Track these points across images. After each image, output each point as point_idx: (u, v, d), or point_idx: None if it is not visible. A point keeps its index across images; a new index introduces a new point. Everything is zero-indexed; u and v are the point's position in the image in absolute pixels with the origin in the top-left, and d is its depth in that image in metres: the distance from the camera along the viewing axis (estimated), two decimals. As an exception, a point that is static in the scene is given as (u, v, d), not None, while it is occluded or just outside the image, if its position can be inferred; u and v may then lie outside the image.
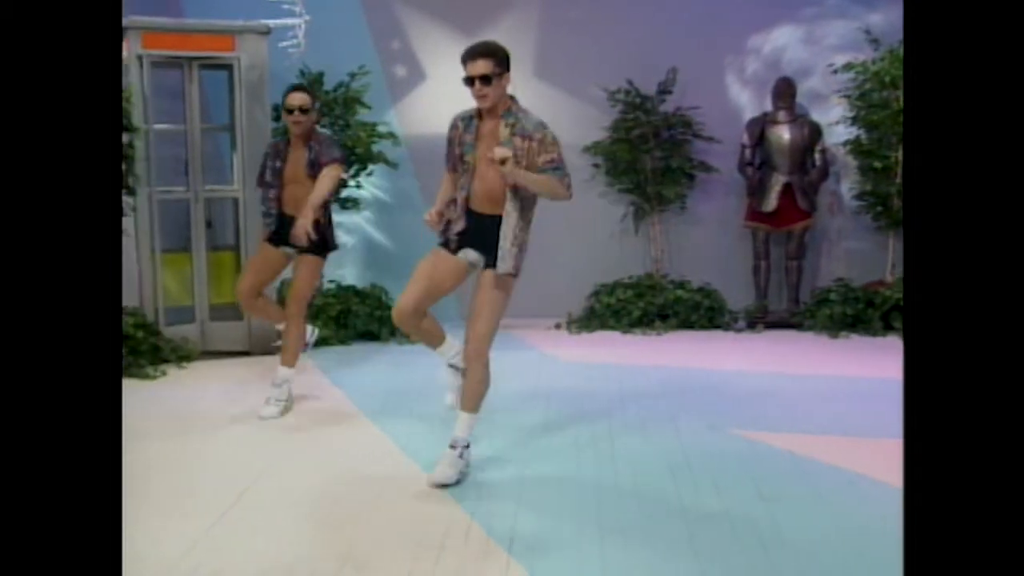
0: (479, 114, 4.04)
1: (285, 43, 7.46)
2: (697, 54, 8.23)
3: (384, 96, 8.27)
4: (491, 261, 3.99)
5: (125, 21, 6.42)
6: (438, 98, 8.43)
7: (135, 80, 6.45)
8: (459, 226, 4.04)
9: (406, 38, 8.50)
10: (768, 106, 8.15)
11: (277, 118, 7.34)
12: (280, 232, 5.24)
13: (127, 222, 6.44)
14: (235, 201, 6.87)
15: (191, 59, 6.65)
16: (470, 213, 4.03)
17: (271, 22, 6.97)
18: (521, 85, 8.45)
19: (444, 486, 3.94)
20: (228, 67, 6.78)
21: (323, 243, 5.21)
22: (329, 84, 7.66)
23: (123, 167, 6.40)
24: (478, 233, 4.02)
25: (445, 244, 4.11)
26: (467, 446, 4.10)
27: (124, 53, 6.54)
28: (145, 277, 6.63)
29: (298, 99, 5.13)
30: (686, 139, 8.26)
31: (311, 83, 7.57)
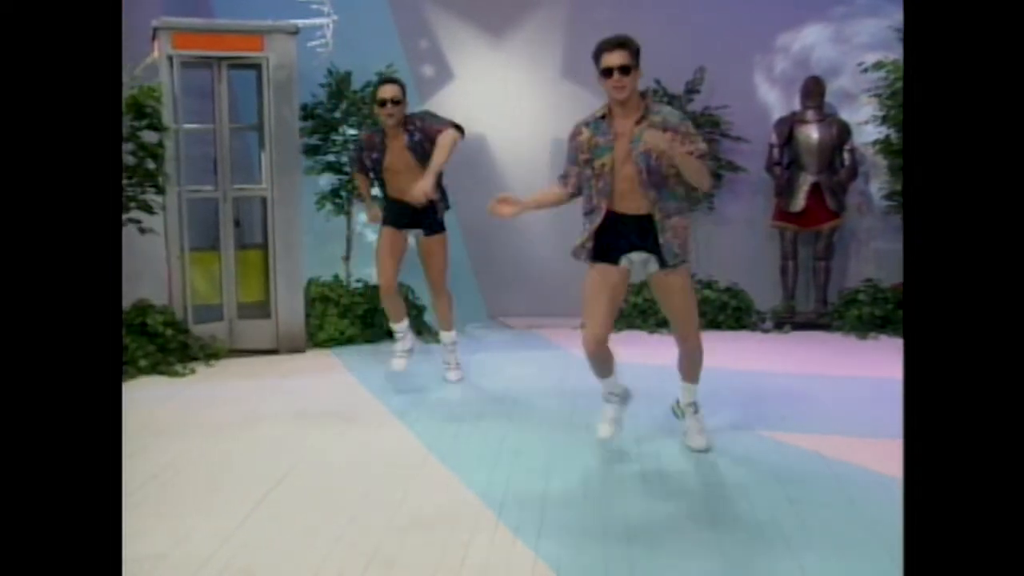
0: (608, 113, 4.02)
1: (313, 43, 7.50)
2: (725, 53, 8.19)
3: (412, 95, 8.22)
4: (663, 262, 4.05)
5: (156, 22, 6.49)
6: (466, 97, 8.46)
7: (165, 80, 6.50)
8: (605, 231, 4.06)
9: (434, 37, 8.52)
10: (797, 105, 8.10)
11: (304, 117, 7.39)
12: (397, 217, 5.52)
13: (157, 221, 6.49)
14: (263, 200, 6.91)
15: (220, 59, 6.70)
16: (615, 217, 4.03)
17: (299, 22, 7.01)
18: (549, 85, 8.50)
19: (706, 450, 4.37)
20: (257, 67, 6.82)
21: (442, 219, 5.54)
22: (357, 84, 7.68)
23: (153, 166, 6.46)
24: (635, 234, 4.03)
25: (601, 257, 4.13)
26: (699, 409, 4.49)
27: (155, 53, 6.60)
28: (174, 275, 6.69)
29: (390, 91, 5.37)
30: (714, 138, 8.21)
31: (338, 82, 7.60)
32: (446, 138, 5.28)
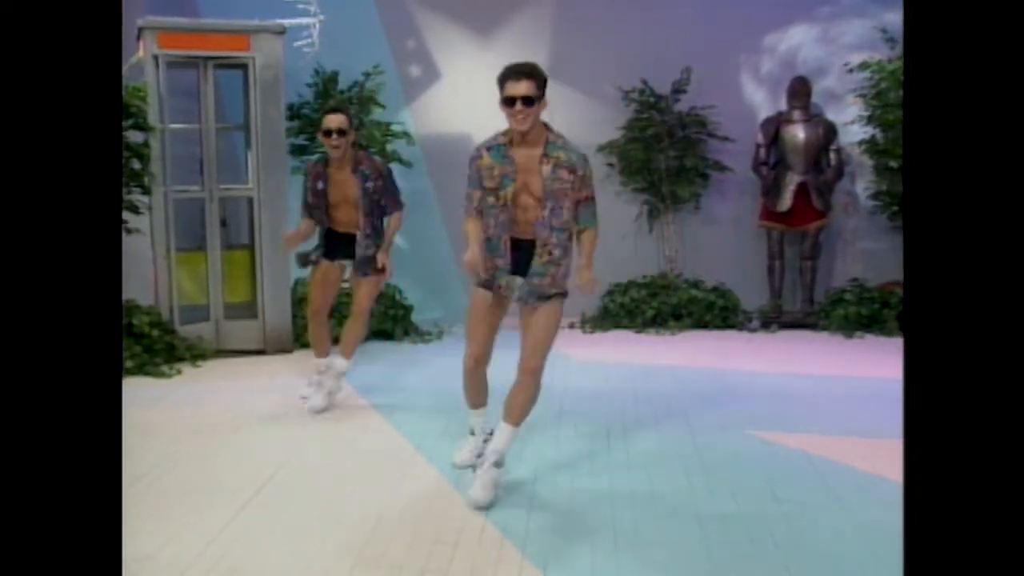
0: (510, 142, 3.83)
1: (300, 42, 7.48)
2: (712, 53, 8.22)
3: (398, 95, 8.29)
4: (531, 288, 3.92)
5: (142, 21, 6.46)
6: (453, 97, 8.46)
7: (151, 80, 6.48)
8: (506, 262, 3.91)
9: (421, 37, 8.51)
10: (783, 105, 8.13)
11: (291, 117, 7.38)
12: (331, 249, 5.35)
13: (143, 221, 6.47)
14: (250, 200, 6.90)
15: (206, 59, 6.68)
16: (515, 244, 3.90)
17: (286, 22, 6.99)
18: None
19: (485, 508, 3.73)
20: (243, 67, 6.81)
21: (373, 264, 5.30)
22: (344, 83, 7.68)
23: (139, 166, 6.44)
24: (523, 260, 3.90)
25: (486, 285, 3.98)
26: (502, 463, 3.93)
27: (140, 53, 6.58)
28: (160, 276, 6.67)
29: (335, 121, 5.10)
30: (700, 138, 8.24)
31: (325, 82, 7.59)
32: (397, 220, 5.34)
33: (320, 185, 5.26)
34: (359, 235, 5.22)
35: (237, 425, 5.00)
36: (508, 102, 3.70)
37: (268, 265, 6.87)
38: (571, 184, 3.77)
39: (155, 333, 6.36)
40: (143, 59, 6.52)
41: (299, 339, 7.09)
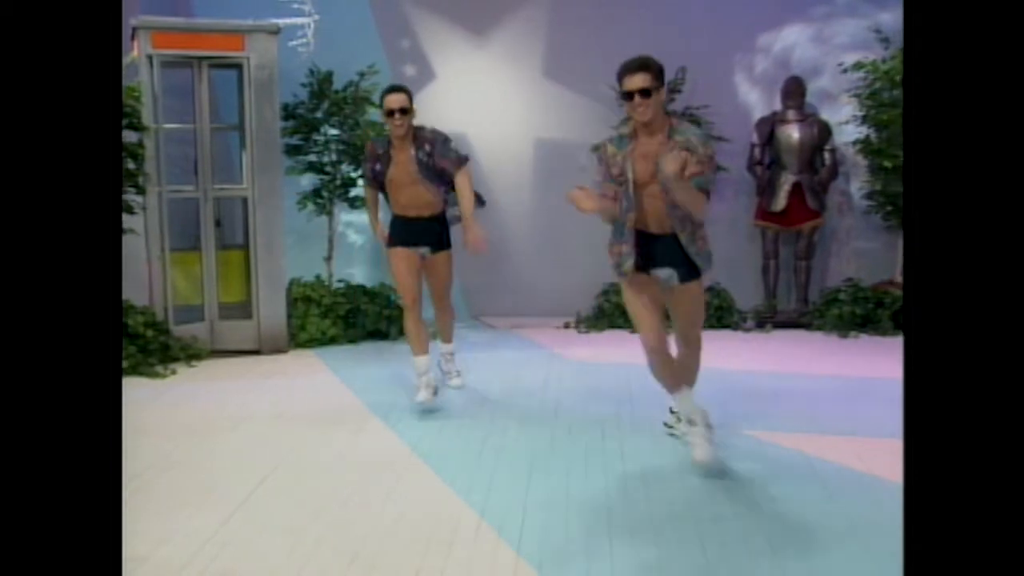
0: (634, 133, 4.02)
1: (295, 42, 7.49)
2: (706, 53, 8.22)
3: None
4: (684, 275, 4.09)
5: (135, 21, 6.45)
6: (448, 97, 8.45)
7: (145, 79, 6.47)
8: (631, 248, 4.08)
9: (415, 37, 8.51)
10: (777, 105, 8.14)
11: (286, 117, 7.37)
12: (406, 235, 5.30)
13: (137, 221, 6.46)
14: (244, 200, 6.89)
15: (201, 59, 6.67)
16: (640, 235, 4.06)
17: (280, 21, 6.99)
18: (530, 84, 8.51)
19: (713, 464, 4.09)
20: (238, 66, 6.80)
21: (448, 236, 5.39)
22: (338, 83, 7.66)
23: (133, 166, 6.43)
24: (661, 253, 4.06)
25: (635, 268, 4.13)
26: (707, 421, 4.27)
27: (134, 53, 6.57)
28: (155, 276, 6.66)
29: (397, 101, 5.13)
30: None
31: (320, 82, 7.59)
32: (466, 180, 5.19)
33: (379, 167, 5.26)
34: (425, 221, 5.27)
35: (232, 426, 4.99)
36: (627, 96, 3.91)
37: (263, 265, 6.86)
38: (685, 161, 3.79)
39: (150, 333, 6.35)
40: (137, 59, 6.51)
41: (294, 339, 7.09)
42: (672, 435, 4.63)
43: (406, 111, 5.13)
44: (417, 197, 5.21)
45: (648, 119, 3.91)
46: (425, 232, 5.30)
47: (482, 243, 5.11)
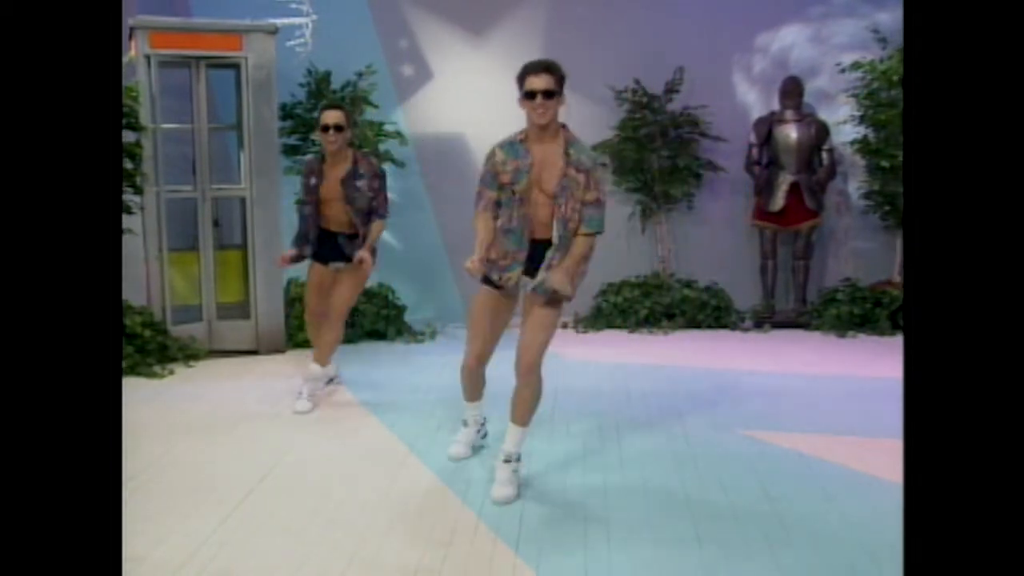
0: (525, 138, 3.93)
1: (292, 42, 7.48)
2: (704, 53, 8.23)
3: (391, 95, 8.27)
4: (543, 289, 3.89)
5: (133, 21, 6.44)
6: (445, 97, 8.46)
7: (143, 79, 6.46)
8: (524, 255, 3.92)
9: (413, 37, 8.51)
10: (775, 105, 8.14)
11: (284, 117, 7.37)
12: (323, 250, 5.37)
13: (135, 221, 6.45)
14: (242, 200, 6.88)
15: (198, 58, 6.67)
16: (531, 243, 3.93)
17: (278, 21, 6.98)
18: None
19: (506, 503, 3.79)
20: (235, 66, 6.79)
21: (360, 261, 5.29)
22: (336, 83, 7.66)
23: (131, 166, 6.42)
24: (534, 260, 3.93)
25: (492, 282, 4.02)
26: (519, 459, 3.98)
27: (132, 53, 6.56)
28: (153, 276, 6.66)
29: (333, 117, 5.18)
30: (693, 138, 8.25)
31: (318, 82, 7.58)
32: (379, 228, 5.32)
33: (313, 181, 5.30)
34: (344, 236, 5.31)
35: (230, 426, 4.99)
36: (529, 96, 3.85)
37: (261, 265, 6.85)
38: (581, 184, 3.82)
39: (147, 333, 6.35)
40: (135, 59, 6.51)
41: (292, 339, 7.09)
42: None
43: (341, 128, 5.18)
44: (340, 214, 5.29)
45: (545, 122, 3.82)
46: (341, 248, 5.35)
47: (369, 264, 5.24)
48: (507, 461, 3.93)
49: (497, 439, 4.33)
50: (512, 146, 3.94)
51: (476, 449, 4.48)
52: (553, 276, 3.81)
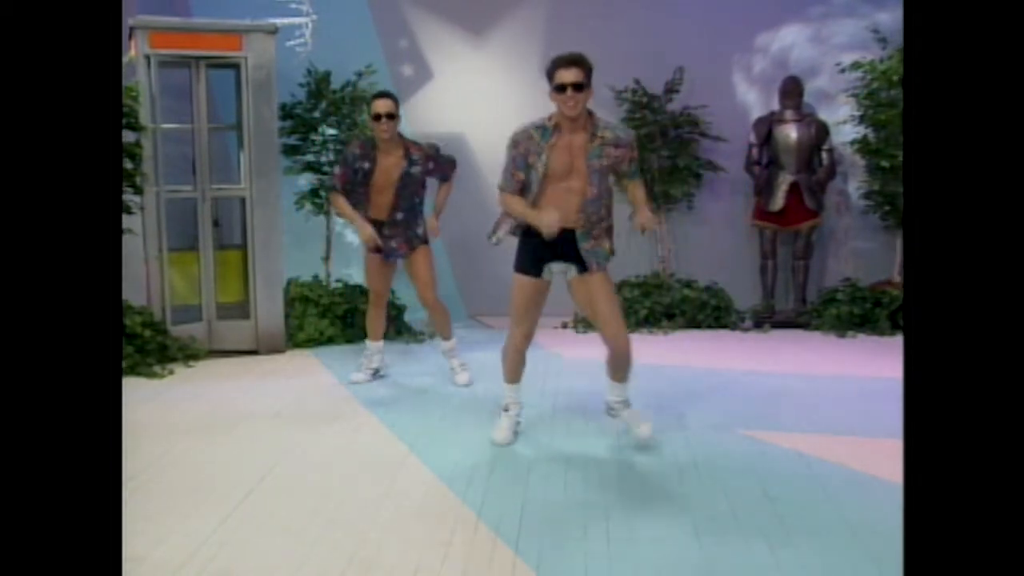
0: (556, 126, 4.14)
1: (292, 42, 7.49)
2: (704, 53, 8.23)
3: (391, 95, 8.26)
4: (583, 267, 4.29)
5: (133, 20, 6.44)
6: (445, 97, 8.46)
7: (142, 79, 6.46)
8: (533, 241, 4.24)
9: (413, 37, 8.51)
10: (775, 105, 8.14)
11: (284, 117, 7.37)
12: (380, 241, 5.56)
13: (135, 221, 6.45)
14: (242, 200, 6.88)
15: (198, 58, 6.67)
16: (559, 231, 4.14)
17: (278, 21, 6.98)
18: (528, 84, 8.50)
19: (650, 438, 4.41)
20: (235, 66, 6.79)
21: (422, 233, 5.68)
22: (336, 83, 7.66)
23: (131, 166, 6.42)
24: (560, 244, 4.21)
25: (528, 271, 4.34)
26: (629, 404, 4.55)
27: (132, 52, 6.56)
28: (152, 276, 6.66)
29: (384, 106, 5.35)
30: (693, 138, 8.25)
31: (318, 82, 7.58)
32: (447, 189, 5.69)
33: (367, 165, 5.41)
34: (387, 222, 5.53)
35: (230, 426, 4.99)
36: (559, 89, 4.05)
37: (261, 265, 6.86)
38: (618, 157, 4.16)
39: (147, 333, 6.35)
40: (134, 58, 6.51)
41: (292, 339, 7.09)
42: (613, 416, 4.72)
43: (393, 116, 5.32)
44: (388, 205, 5.47)
45: (575, 114, 4.06)
46: (395, 235, 5.60)
47: (436, 230, 5.69)
48: (627, 404, 4.55)
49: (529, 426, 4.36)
50: (545, 130, 4.15)
51: (517, 435, 4.65)
52: (642, 215, 4.25)
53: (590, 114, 4.17)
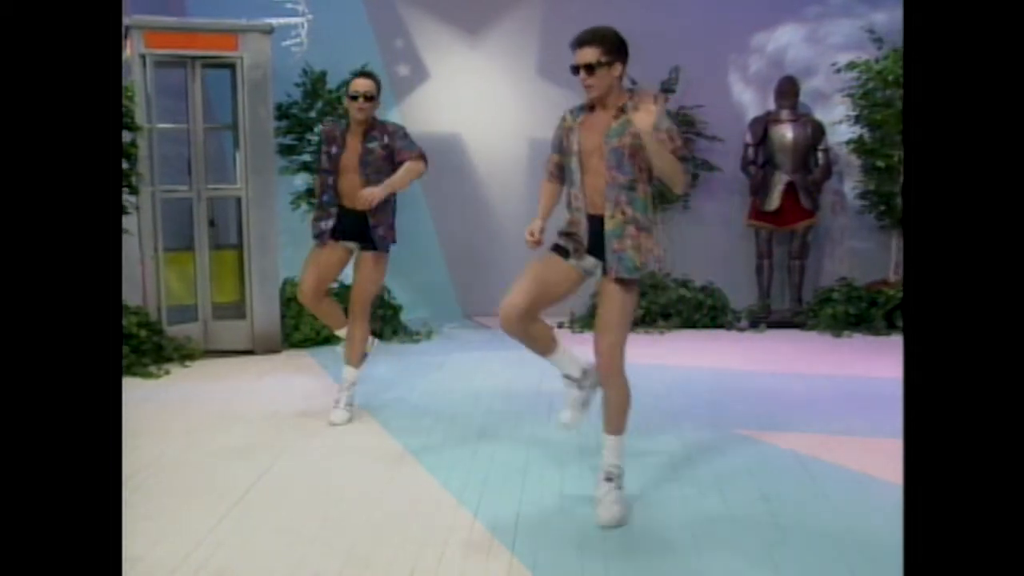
0: (591, 107, 3.69)
1: (288, 42, 7.47)
2: (700, 53, 8.24)
3: (387, 95, 8.22)
4: (605, 269, 3.63)
5: (128, 20, 6.43)
6: (441, 96, 8.46)
7: (138, 79, 6.45)
8: (581, 230, 3.64)
9: (409, 37, 8.51)
10: (771, 105, 8.15)
11: (279, 117, 7.36)
12: (340, 226, 5.03)
13: (130, 221, 6.44)
14: (238, 200, 6.88)
15: (194, 58, 6.66)
16: (589, 218, 3.63)
17: (274, 21, 6.98)
18: (524, 84, 8.51)
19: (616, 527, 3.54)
20: (231, 66, 6.79)
21: (385, 239, 5.02)
22: (332, 83, 7.66)
23: (126, 166, 6.41)
24: (592, 236, 3.63)
25: (559, 250, 3.71)
26: (621, 475, 3.69)
27: (127, 52, 6.55)
28: (148, 276, 6.65)
29: (363, 85, 4.90)
30: (689, 138, 8.25)
31: (313, 82, 7.58)
32: (416, 164, 4.91)
33: (334, 150, 5.01)
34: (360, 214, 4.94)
35: (226, 426, 4.98)
36: (574, 71, 3.65)
37: (256, 265, 6.85)
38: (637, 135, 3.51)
39: (143, 333, 6.34)
40: (130, 58, 6.50)
41: (288, 339, 7.08)
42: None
43: (371, 98, 4.91)
44: (355, 188, 4.91)
45: (595, 95, 3.61)
46: (359, 228, 5.01)
47: (365, 200, 4.72)
48: (609, 479, 3.65)
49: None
50: (579, 111, 3.74)
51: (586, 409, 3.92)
52: (639, 116, 3.41)
53: (630, 94, 3.65)
